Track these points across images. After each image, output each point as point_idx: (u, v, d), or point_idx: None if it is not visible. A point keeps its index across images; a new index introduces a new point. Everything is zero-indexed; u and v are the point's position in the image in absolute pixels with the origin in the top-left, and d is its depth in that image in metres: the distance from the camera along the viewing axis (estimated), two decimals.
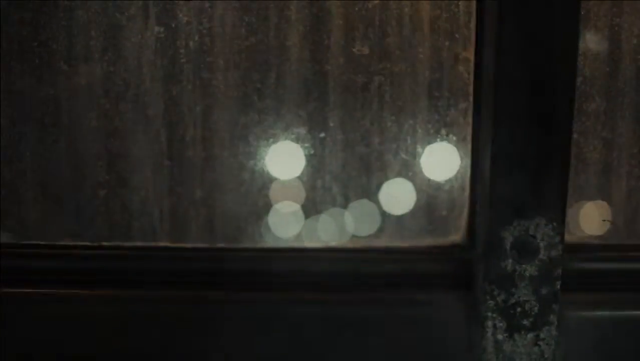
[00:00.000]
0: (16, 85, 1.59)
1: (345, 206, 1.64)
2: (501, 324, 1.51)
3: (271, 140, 1.61)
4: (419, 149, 1.61)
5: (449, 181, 1.62)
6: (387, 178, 1.63)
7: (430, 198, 1.63)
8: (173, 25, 1.57)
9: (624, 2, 1.56)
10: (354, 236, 1.65)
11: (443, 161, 1.62)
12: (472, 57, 1.56)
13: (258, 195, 1.63)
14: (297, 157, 1.62)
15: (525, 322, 1.51)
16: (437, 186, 1.63)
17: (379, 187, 1.63)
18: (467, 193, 1.61)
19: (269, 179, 1.63)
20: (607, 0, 1.54)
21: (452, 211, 1.63)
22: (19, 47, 1.57)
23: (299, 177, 1.63)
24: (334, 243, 1.65)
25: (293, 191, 1.64)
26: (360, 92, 1.59)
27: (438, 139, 1.61)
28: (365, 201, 1.63)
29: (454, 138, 1.60)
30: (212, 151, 1.62)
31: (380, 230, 1.64)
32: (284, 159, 1.62)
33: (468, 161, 1.60)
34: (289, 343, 1.58)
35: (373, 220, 1.64)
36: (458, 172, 1.61)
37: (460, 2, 1.55)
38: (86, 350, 1.59)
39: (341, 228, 1.64)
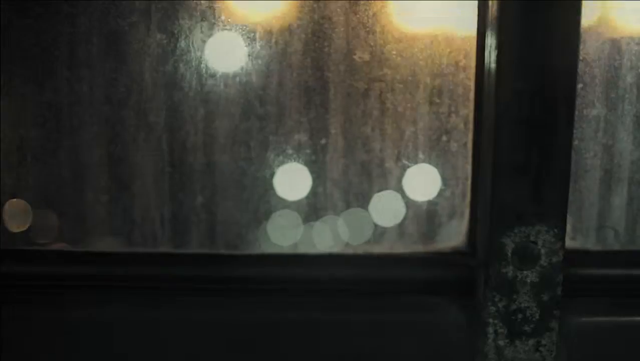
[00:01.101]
0: (18, 90, 1.59)
1: (343, 213, 1.64)
2: (502, 330, 1.51)
3: (272, 146, 1.61)
4: (420, 155, 1.62)
5: (446, 187, 1.63)
6: (387, 184, 1.63)
7: (431, 204, 1.63)
8: (175, 31, 1.57)
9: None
10: (354, 243, 1.65)
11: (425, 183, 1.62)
12: (473, 63, 1.56)
13: (259, 202, 1.63)
14: (303, 180, 1.63)
15: (526, 328, 1.50)
16: (438, 193, 1.63)
17: (379, 193, 1.63)
18: (468, 199, 1.61)
19: (275, 198, 1.63)
20: (607, 1, 1.55)
21: (452, 217, 1.63)
22: (20, 53, 1.58)
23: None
24: (334, 249, 1.65)
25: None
26: (362, 99, 1.60)
27: (438, 145, 1.61)
28: (366, 206, 1.64)
29: (455, 144, 1.61)
30: (212, 157, 1.62)
31: (381, 236, 1.64)
32: (290, 182, 1.62)
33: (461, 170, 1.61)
34: (290, 348, 1.58)
35: (371, 227, 1.65)
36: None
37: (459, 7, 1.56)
38: (86, 354, 1.58)
39: (336, 235, 1.64)
